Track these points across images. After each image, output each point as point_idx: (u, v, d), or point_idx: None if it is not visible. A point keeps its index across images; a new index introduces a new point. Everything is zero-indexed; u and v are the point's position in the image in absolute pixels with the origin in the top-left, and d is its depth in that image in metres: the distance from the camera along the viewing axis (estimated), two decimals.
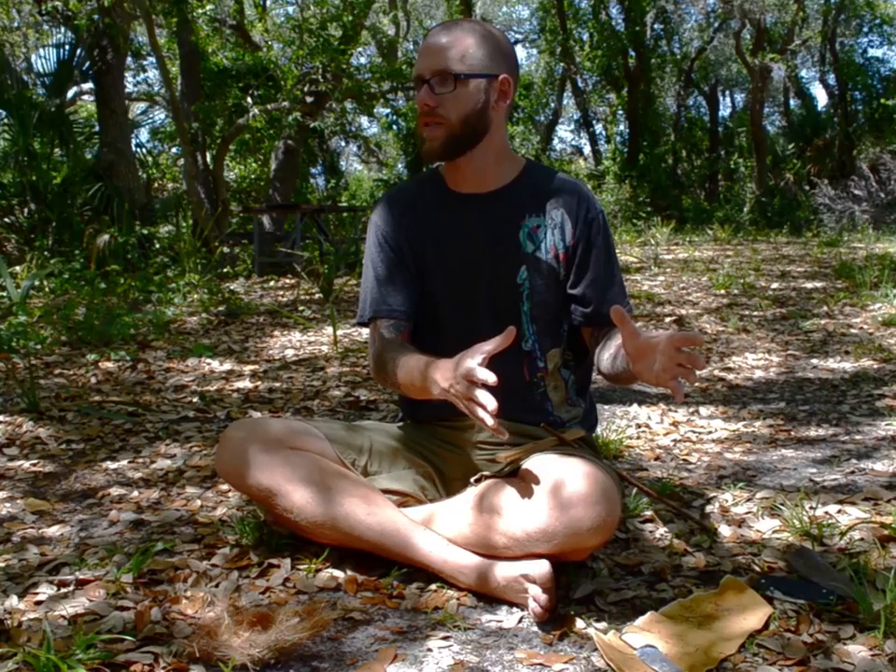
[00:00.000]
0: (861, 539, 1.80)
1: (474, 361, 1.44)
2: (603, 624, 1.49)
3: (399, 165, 20.09)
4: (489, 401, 1.43)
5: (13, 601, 1.60)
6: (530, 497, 1.55)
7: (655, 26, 17.66)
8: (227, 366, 4.06)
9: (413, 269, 1.88)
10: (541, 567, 1.51)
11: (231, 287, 6.73)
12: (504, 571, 1.56)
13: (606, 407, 3.20)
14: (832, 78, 18.70)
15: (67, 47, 8.86)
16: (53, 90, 8.85)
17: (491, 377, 1.41)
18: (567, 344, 1.89)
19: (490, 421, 1.43)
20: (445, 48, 1.75)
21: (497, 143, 1.83)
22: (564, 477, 1.54)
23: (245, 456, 1.75)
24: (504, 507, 1.58)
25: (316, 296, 6.44)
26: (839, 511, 1.98)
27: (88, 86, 11.08)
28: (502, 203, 1.85)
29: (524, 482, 1.63)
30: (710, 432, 2.91)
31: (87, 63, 8.81)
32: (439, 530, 1.67)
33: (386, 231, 1.91)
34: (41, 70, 9.45)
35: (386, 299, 1.88)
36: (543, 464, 1.63)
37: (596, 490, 1.52)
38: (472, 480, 1.71)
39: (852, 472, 2.34)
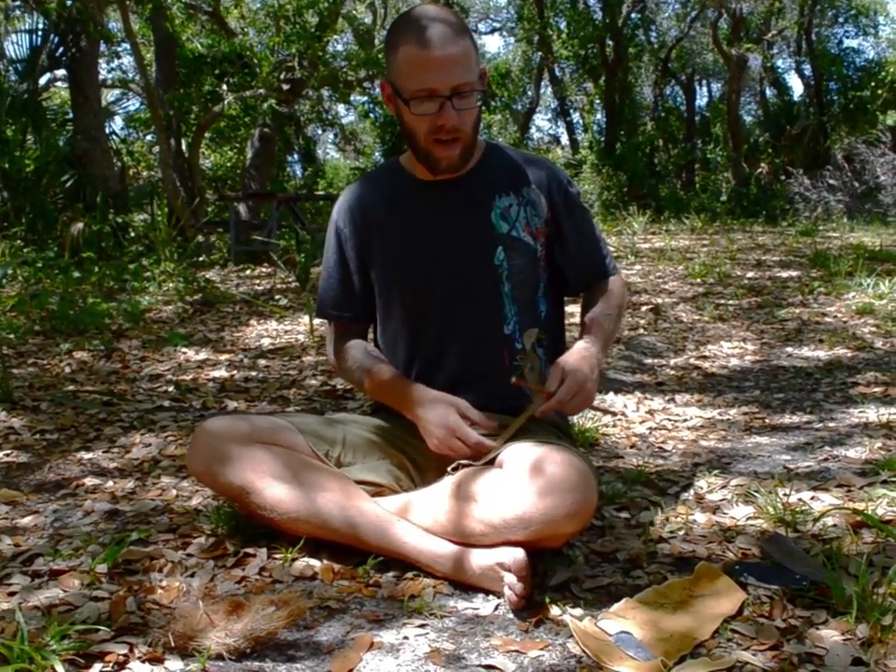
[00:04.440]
0: (834, 526, 1.81)
1: (474, 434, 1.67)
2: (579, 611, 1.50)
3: (376, 153, 20.04)
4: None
5: None
6: (507, 485, 1.55)
7: (632, 15, 17.68)
8: (202, 355, 4.04)
9: (371, 269, 1.91)
10: (516, 555, 1.51)
11: (207, 276, 6.69)
12: (479, 560, 1.56)
13: None
14: (807, 69, 18.81)
15: (40, 32, 8.74)
16: (25, 76, 8.73)
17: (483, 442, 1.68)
18: (543, 324, 1.90)
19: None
20: (460, 57, 1.65)
21: None
22: (540, 464, 1.54)
23: (217, 456, 1.73)
24: (481, 494, 1.57)
25: (293, 284, 6.41)
26: (812, 498, 2.00)
27: (61, 72, 10.94)
28: (470, 187, 1.84)
29: (500, 469, 1.63)
30: (686, 420, 2.92)
31: (60, 50, 8.70)
32: (414, 519, 1.67)
33: (345, 232, 1.93)
34: (13, 56, 9.32)
35: (340, 303, 1.96)
36: (520, 452, 1.63)
37: (573, 477, 1.52)
38: (449, 469, 1.70)
39: (826, 459, 2.36)
